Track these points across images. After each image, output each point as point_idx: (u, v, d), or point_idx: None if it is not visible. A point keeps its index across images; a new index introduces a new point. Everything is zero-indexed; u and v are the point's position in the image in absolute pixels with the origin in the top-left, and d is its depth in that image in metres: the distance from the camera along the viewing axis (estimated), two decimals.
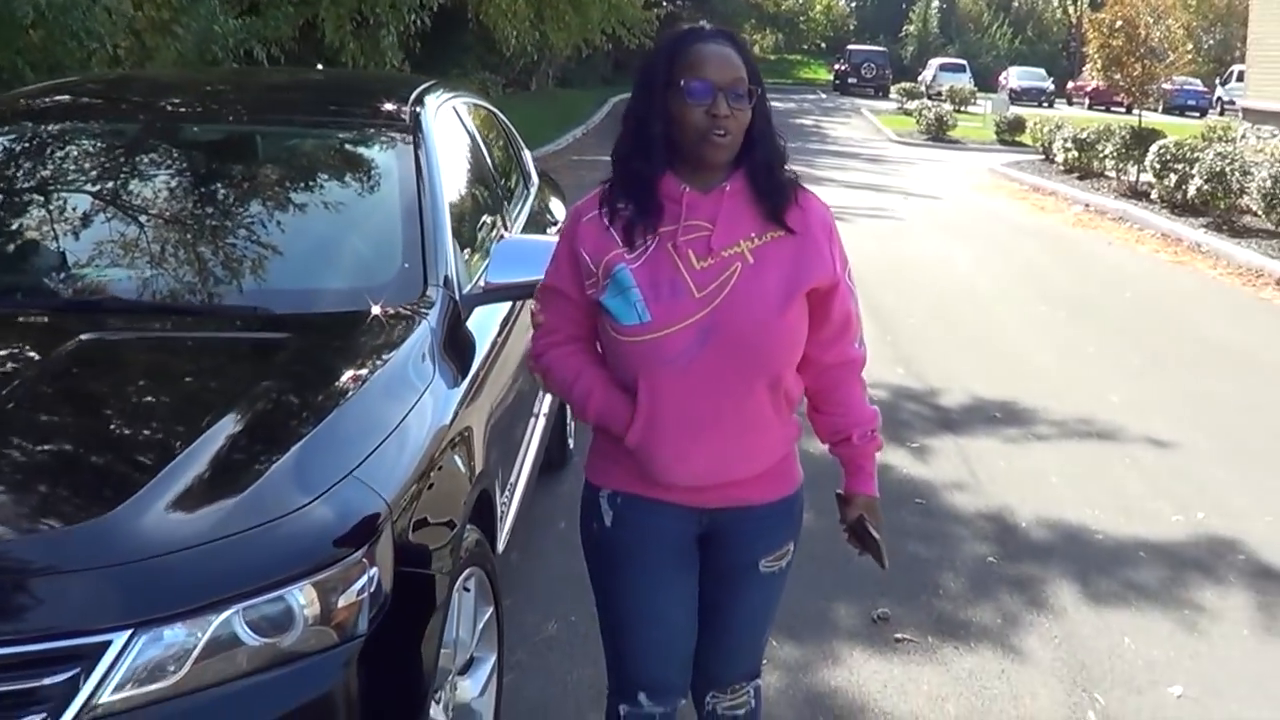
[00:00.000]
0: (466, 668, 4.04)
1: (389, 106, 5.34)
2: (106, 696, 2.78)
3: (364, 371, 3.81)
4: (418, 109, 5.22)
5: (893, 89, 58.21)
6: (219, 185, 5.01)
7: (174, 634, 2.85)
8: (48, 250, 4.71)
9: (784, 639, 5.33)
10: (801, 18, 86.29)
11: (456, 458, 3.89)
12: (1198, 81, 56.43)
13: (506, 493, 4.87)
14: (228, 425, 3.36)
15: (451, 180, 5.02)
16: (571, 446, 7.29)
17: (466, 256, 4.80)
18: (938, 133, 38.22)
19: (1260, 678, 5.26)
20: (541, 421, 6.00)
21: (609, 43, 32.50)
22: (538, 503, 6.23)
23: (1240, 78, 33.14)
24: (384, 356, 3.92)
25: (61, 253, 4.67)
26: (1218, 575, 6.29)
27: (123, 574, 2.88)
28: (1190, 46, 25.24)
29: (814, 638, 5.43)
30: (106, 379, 3.90)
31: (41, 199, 4.93)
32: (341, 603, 3.04)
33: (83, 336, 3.91)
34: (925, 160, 31.69)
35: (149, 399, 3.85)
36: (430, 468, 3.61)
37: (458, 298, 4.42)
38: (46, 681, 2.77)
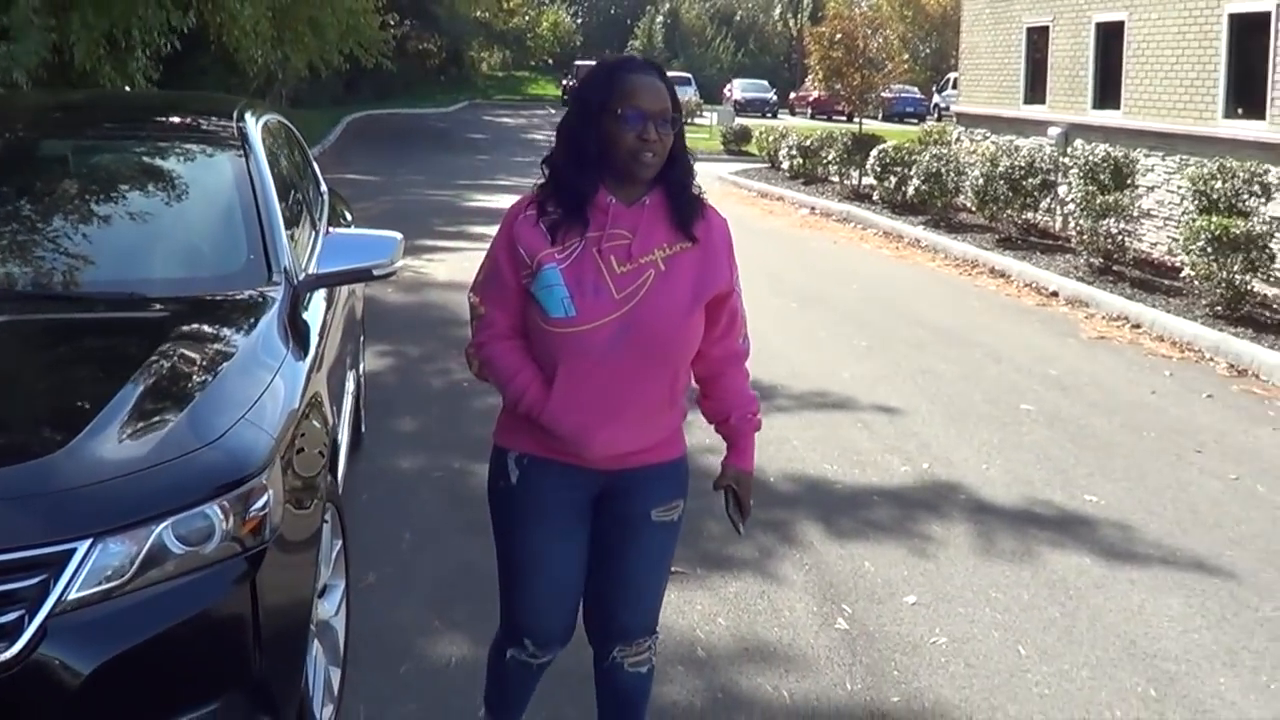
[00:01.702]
0: (323, 591, 4.78)
1: (219, 122, 6.06)
2: (73, 594, 3.45)
3: (235, 341, 4.58)
4: (242, 124, 5.96)
5: None
6: (76, 191, 5.69)
7: (120, 544, 3.53)
8: None
9: None
10: (528, 34, 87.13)
11: (315, 411, 4.65)
12: (915, 89, 59.05)
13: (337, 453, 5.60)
14: (141, 380, 4.08)
15: (275, 185, 5.73)
16: (364, 430, 8.03)
17: (293, 249, 5.52)
18: None
19: (982, 588, 6.28)
20: (349, 400, 6.72)
21: (346, 63, 32.77)
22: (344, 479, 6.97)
23: (955, 85, 35.09)
24: (244, 330, 4.68)
25: None
26: (942, 512, 7.34)
27: (79, 495, 3.57)
28: (906, 56, 26.87)
29: None
30: (24, 351, 4.59)
31: None
32: (248, 517, 3.76)
33: None
34: None
35: (65, 364, 4.56)
36: (299, 417, 4.36)
37: (295, 283, 5.16)
38: (21, 584, 3.42)
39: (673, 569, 6.20)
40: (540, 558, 3.91)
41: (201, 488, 3.70)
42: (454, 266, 15.37)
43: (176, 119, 6.09)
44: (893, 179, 21.20)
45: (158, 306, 4.83)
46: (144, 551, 3.56)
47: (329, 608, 4.78)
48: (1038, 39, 21.71)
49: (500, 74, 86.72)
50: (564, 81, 70.40)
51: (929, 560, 6.61)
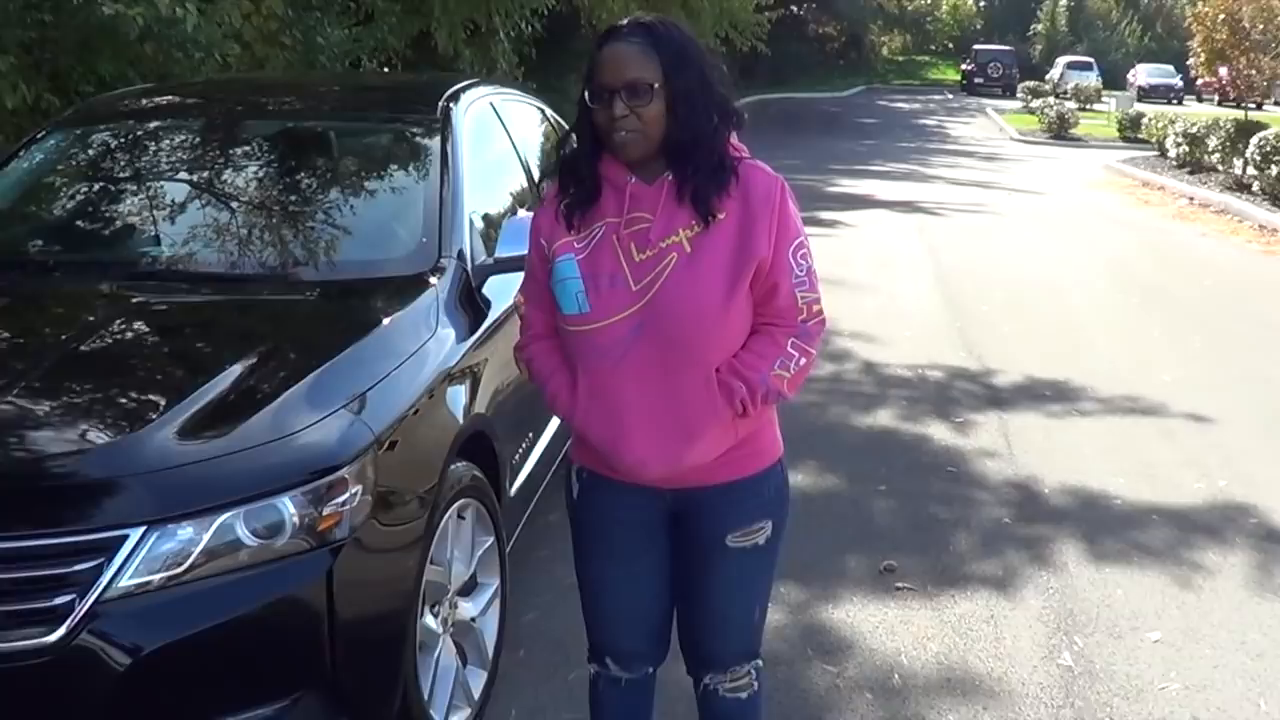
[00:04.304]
0: (470, 590, 4.59)
1: (424, 103, 5.89)
2: (125, 581, 3.38)
3: (369, 324, 4.43)
4: (450, 105, 5.77)
5: (1020, 88, 57.86)
6: (261, 172, 5.72)
7: (184, 531, 3.44)
8: (120, 228, 5.46)
9: (790, 583, 5.81)
10: (928, 18, 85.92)
11: (448, 401, 4.42)
12: None
13: (520, 445, 5.34)
14: (240, 365, 3.99)
15: (479, 167, 5.54)
16: None
17: (489, 234, 5.32)
18: (1059, 131, 38.16)
19: (1240, 628, 5.60)
20: None
21: (722, 46, 32.76)
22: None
23: None
24: (390, 313, 4.53)
25: (129, 230, 5.42)
26: (1224, 537, 6.63)
27: (138, 481, 3.51)
28: None
29: (820, 582, 5.89)
30: (151, 331, 4.59)
31: (115, 186, 5.69)
32: (325, 513, 3.60)
33: (135, 299, 4.66)
34: (1042, 158, 31.78)
35: (180, 346, 4.54)
36: (421, 407, 4.17)
37: (469, 268, 4.96)
38: (76, 568, 3.37)
39: (899, 584, 5.90)
40: (603, 580, 3.61)
41: (274, 479, 3.58)
42: None
43: (385, 100, 6.01)
44: (1274, 168, 19.77)
45: (306, 288, 4.78)
46: (206, 541, 3.46)
47: (472, 608, 4.60)
48: None
49: (900, 58, 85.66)
50: (963, 66, 69.06)
51: (1190, 592, 5.95)
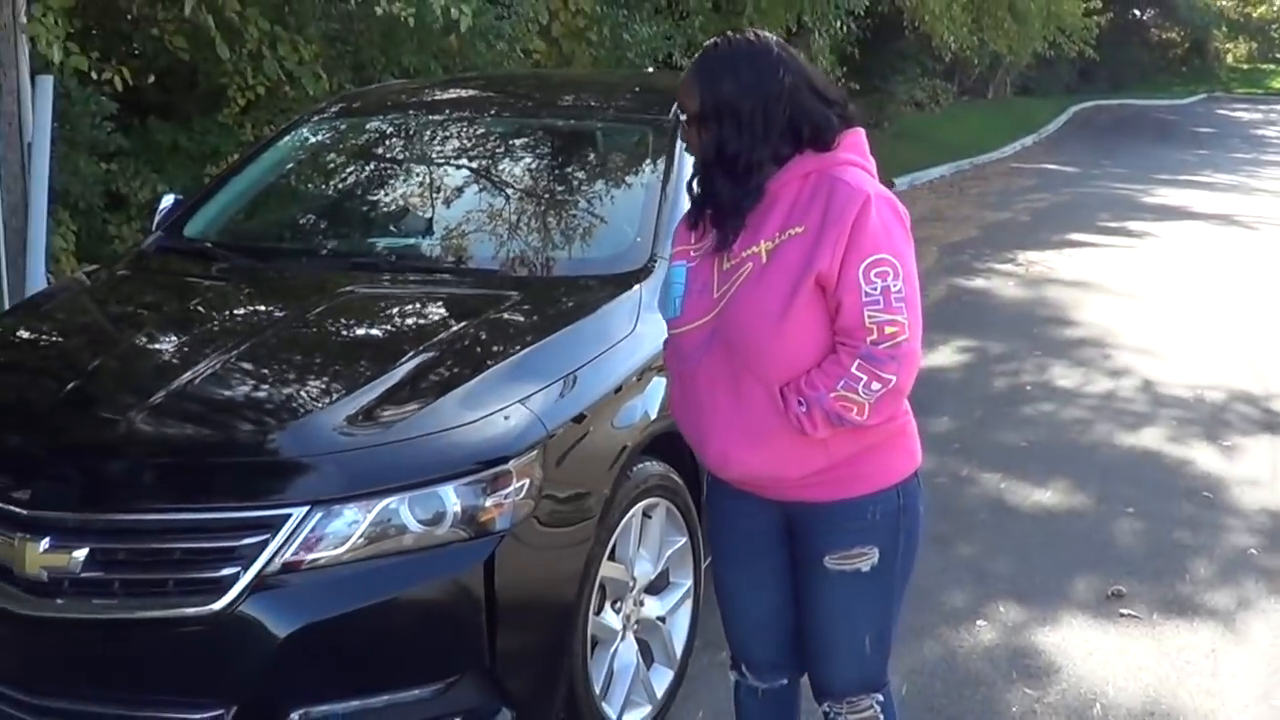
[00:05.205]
0: (661, 589, 4.66)
1: (662, 102, 5.86)
2: (287, 557, 3.56)
3: (564, 320, 4.53)
4: None
5: None
6: (482, 168, 5.88)
7: (348, 513, 3.61)
8: (344, 218, 5.77)
9: (1010, 601, 5.76)
10: (1273, 25, 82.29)
11: (636, 400, 4.43)
12: None
13: None
14: (426, 355, 4.17)
15: None
16: None
17: None
18: None
19: None
20: None
21: (1050, 50, 31.99)
22: None
23: None
24: (590, 310, 4.62)
25: (351, 220, 5.72)
26: None
27: (306, 463, 3.73)
28: None
29: (1041, 603, 5.76)
30: (353, 319, 4.77)
31: (343, 178, 6.02)
32: (488, 504, 3.71)
33: (346, 287, 4.86)
34: None
35: (377, 335, 4.70)
36: (605, 404, 4.24)
37: None
38: (242, 542, 3.58)
39: (1124, 611, 5.74)
40: (726, 583, 3.63)
41: (439, 467, 3.71)
42: (1087, 263, 14.65)
43: (621, 99, 6.09)
44: None
45: (512, 283, 4.91)
46: (368, 524, 3.61)
47: (660, 606, 4.63)
48: None
49: (1245, 66, 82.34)
50: None
51: None
